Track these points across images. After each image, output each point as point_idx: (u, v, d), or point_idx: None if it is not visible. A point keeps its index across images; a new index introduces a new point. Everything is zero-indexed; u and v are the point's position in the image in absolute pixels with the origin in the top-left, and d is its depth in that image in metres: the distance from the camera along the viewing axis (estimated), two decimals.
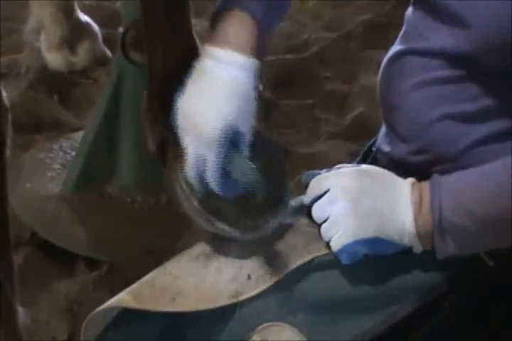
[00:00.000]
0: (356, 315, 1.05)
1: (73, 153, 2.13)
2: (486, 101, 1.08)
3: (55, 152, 2.19)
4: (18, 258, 1.89)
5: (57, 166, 2.13)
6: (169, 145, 1.13)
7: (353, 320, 1.05)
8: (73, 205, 2.01)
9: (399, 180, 1.06)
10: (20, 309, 1.18)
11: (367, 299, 1.05)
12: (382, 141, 1.24)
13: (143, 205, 2.02)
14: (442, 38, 1.09)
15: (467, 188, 1.02)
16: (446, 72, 1.09)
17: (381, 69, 1.21)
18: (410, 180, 1.06)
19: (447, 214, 1.00)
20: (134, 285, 1.09)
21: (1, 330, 1.15)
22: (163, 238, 1.93)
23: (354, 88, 2.68)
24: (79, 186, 2.01)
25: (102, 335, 1.11)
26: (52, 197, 2.02)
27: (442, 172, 1.07)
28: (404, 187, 1.04)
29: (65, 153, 2.19)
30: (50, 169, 2.12)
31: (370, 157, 1.27)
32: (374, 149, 1.27)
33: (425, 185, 1.04)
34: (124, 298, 1.06)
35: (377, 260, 1.04)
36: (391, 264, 1.06)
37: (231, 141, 1.03)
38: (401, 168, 1.15)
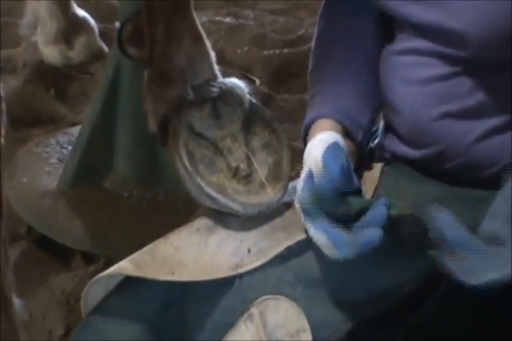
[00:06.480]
0: (353, 294, 1.04)
1: (70, 148, 2.12)
2: (484, 93, 1.07)
3: (51, 146, 2.19)
4: (14, 253, 1.89)
5: (54, 161, 2.13)
6: (170, 122, 1.13)
7: (350, 299, 1.04)
8: (70, 200, 2.00)
9: None
10: (17, 303, 1.18)
11: (363, 280, 1.05)
12: (383, 138, 1.23)
13: (140, 200, 2.01)
14: (434, 46, 1.09)
15: None
16: (440, 70, 1.09)
17: (379, 69, 1.20)
18: None
19: None
20: (135, 254, 1.10)
21: None
22: (160, 232, 1.92)
23: None
24: (76, 180, 2.01)
25: (103, 302, 1.11)
26: (49, 192, 2.02)
27: (450, 169, 1.08)
28: None
29: (62, 147, 2.18)
30: (46, 163, 2.12)
31: (367, 153, 1.27)
32: (372, 145, 1.26)
33: None
34: (125, 266, 1.07)
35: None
36: (390, 247, 1.05)
37: None
38: (406, 163, 1.15)
